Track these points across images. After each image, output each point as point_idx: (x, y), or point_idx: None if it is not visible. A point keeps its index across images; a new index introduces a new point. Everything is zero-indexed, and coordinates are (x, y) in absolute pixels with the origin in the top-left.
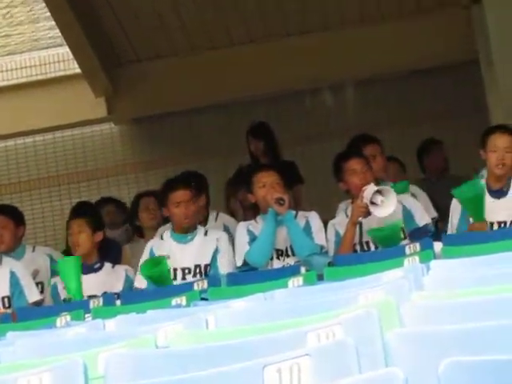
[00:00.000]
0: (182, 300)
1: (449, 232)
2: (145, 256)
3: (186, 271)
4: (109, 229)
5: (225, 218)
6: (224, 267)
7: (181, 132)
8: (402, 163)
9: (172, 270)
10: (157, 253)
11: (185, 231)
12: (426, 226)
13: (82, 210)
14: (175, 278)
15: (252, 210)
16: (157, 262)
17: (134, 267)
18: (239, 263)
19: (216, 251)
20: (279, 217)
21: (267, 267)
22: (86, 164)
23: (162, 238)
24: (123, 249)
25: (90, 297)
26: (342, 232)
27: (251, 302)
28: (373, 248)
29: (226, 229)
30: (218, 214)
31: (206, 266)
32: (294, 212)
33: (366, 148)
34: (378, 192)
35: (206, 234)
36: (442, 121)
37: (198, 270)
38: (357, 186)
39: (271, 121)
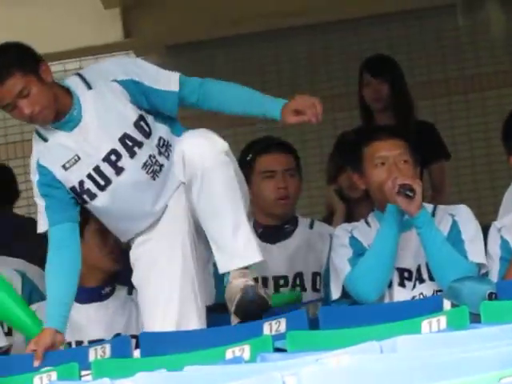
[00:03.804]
0: (244, 350)
1: None
2: None
3: None
4: None
5: (323, 227)
6: None
7: (244, 67)
8: None
9: None
10: None
11: None
12: None
13: None
14: None
15: (359, 204)
16: None
17: None
18: (336, 295)
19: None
20: (405, 217)
21: (383, 300)
22: None
23: None
24: None
25: (91, 342)
26: None
27: (359, 355)
28: None
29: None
30: (313, 222)
31: None
32: (430, 209)
33: None
34: None
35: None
36: None
37: None
38: None
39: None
